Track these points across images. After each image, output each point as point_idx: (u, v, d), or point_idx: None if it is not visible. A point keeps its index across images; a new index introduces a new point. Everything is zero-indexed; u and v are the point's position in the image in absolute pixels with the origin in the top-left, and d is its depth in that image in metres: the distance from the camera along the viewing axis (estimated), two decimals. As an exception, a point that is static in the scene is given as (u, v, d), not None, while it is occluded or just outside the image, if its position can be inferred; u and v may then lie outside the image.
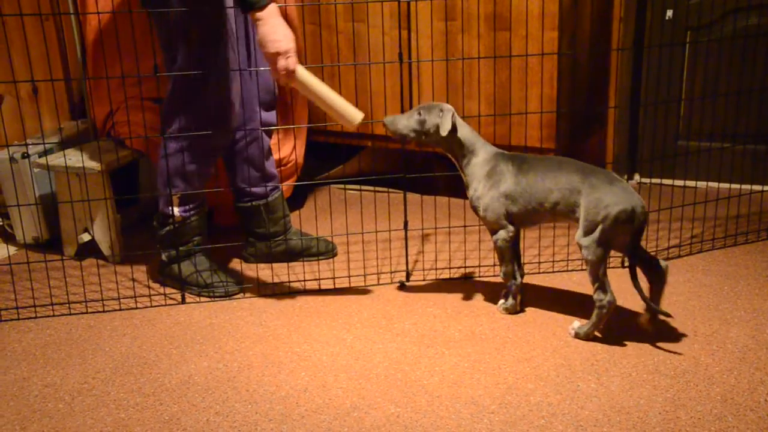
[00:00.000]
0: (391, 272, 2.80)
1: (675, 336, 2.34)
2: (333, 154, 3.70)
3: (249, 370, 2.24)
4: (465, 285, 2.71)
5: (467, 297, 2.63)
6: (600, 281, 2.26)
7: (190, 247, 2.67)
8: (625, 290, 2.59)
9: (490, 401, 2.05)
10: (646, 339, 2.32)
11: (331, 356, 2.30)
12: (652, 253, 2.88)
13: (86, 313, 2.60)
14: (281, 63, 2.29)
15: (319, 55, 3.42)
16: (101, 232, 2.94)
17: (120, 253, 2.96)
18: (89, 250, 2.99)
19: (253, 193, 2.84)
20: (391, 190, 3.46)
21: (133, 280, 2.78)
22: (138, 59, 2.66)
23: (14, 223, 3.09)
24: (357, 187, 3.58)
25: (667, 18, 3.44)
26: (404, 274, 2.76)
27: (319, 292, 2.71)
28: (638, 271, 2.28)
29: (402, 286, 2.72)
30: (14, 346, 2.42)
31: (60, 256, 2.91)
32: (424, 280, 2.77)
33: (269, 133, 2.87)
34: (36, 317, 2.58)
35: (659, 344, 2.29)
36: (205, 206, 2.72)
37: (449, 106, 2.38)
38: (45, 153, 2.97)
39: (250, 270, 2.88)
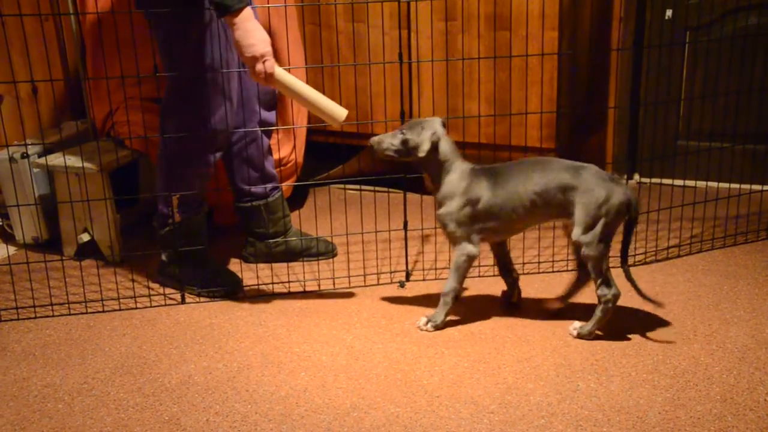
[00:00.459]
0: (391, 272, 2.80)
1: (674, 336, 2.34)
2: (333, 154, 3.70)
3: (249, 370, 2.24)
4: (464, 285, 2.71)
5: (467, 297, 2.63)
6: (603, 276, 2.27)
7: (190, 247, 2.67)
8: (624, 289, 2.59)
9: (489, 401, 2.05)
10: (645, 339, 2.32)
11: (331, 356, 2.30)
12: (652, 254, 2.88)
13: (86, 313, 2.60)
14: (258, 67, 2.29)
15: (319, 55, 3.42)
16: (101, 232, 2.94)
17: (119, 254, 2.96)
18: (89, 250, 2.99)
19: (253, 193, 2.84)
20: (391, 190, 3.46)
21: (133, 280, 2.78)
22: (137, 59, 2.65)
23: (14, 223, 3.09)
24: (357, 187, 3.57)
25: (666, 18, 3.44)
26: (404, 274, 2.76)
27: (319, 292, 2.71)
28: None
29: (402, 286, 2.72)
30: (14, 346, 2.42)
31: (59, 257, 2.91)
32: (424, 280, 2.77)
33: (268, 133, 2.87)
34: (35, 317, 2.58)
35: (659, 344, 2.29)
36: (204, 206, 2.71)
37: (433, 123, 2.32)
38: (44, 153, 2.97)
39: (249, 270, 2.88)
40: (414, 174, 2.79)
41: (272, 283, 2.77)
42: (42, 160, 2.93)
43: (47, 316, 2.58)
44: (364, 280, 2.75)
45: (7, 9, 2.89)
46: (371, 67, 3.28)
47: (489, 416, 1.99)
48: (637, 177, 3.65)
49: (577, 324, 2.35)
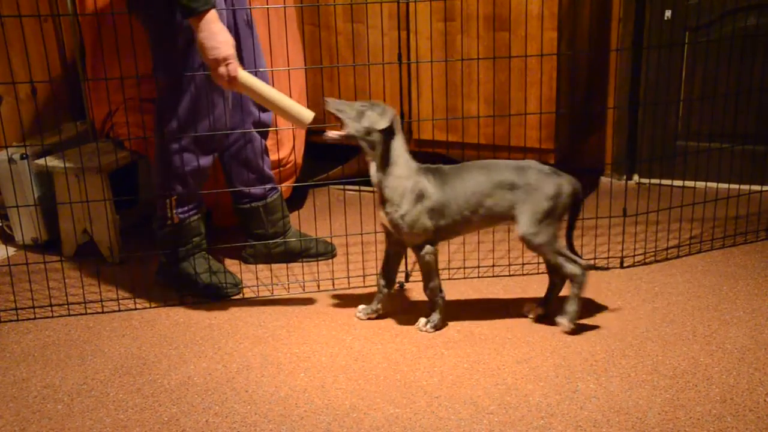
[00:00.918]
0: (391, 273, 2.80)
1: (674, 336, 2.34)
2: (332, 155, 3.70)
3: (248, 371, 2.24)
4: (464, 285, 2.71)
5: (466, 297, 2.63)
6: (563, 255, 2.30)
7: (189, 248, 2.67)
8: (623, 290, 2.60)
9: (489, 402, 2.05)
10: (645, 339, 2.32)
11: (331, 357, 2.30)
12: (652, 254, 2.88)
13: (85, 314, 2.60)
14: (221, 70, 2.28)
15: (318, 55, 3.42)
16: (100, 233, 2.94)
17: (119, 254, 2.96)
18: (88, 251, 2.99)
19: (252, 194, 2.84)
20: (390, 190, 3.45)
21: (132, 281, 2.78)
22: (137, 60, 2.65)
23: (13, 224, 3.09)
24: (356, 187, 3.57)
25: (665, 18, 3.44)
26: (404, 274, 2.76)
27: (319, 292, 2.71)
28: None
29: (401, 287, 2.72)
30: (13, 347, 2.42)
31: (59, 257, 2.91)
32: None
33: (265, 134, 2.87)
34: (35, 318, 2.58)
35: (658, 344, 2.29)
36: (203, 207, 2.71)
37: (393, 110, 2.29)
38: (44, 154, 2.97)
39: (249, 271, 2.88)
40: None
41: (272, 284, 2.77)
42: (41, 161, 2.93)
43: (46, 317, 2.58)
44: (364, 281, 2.75)
45: (6, 10, 2.89)
46: (370, 67, 3.27)
47: (488, 417, 1.99)
48: (636, 177, 3.65)
49: (559, 318, 2.36)
